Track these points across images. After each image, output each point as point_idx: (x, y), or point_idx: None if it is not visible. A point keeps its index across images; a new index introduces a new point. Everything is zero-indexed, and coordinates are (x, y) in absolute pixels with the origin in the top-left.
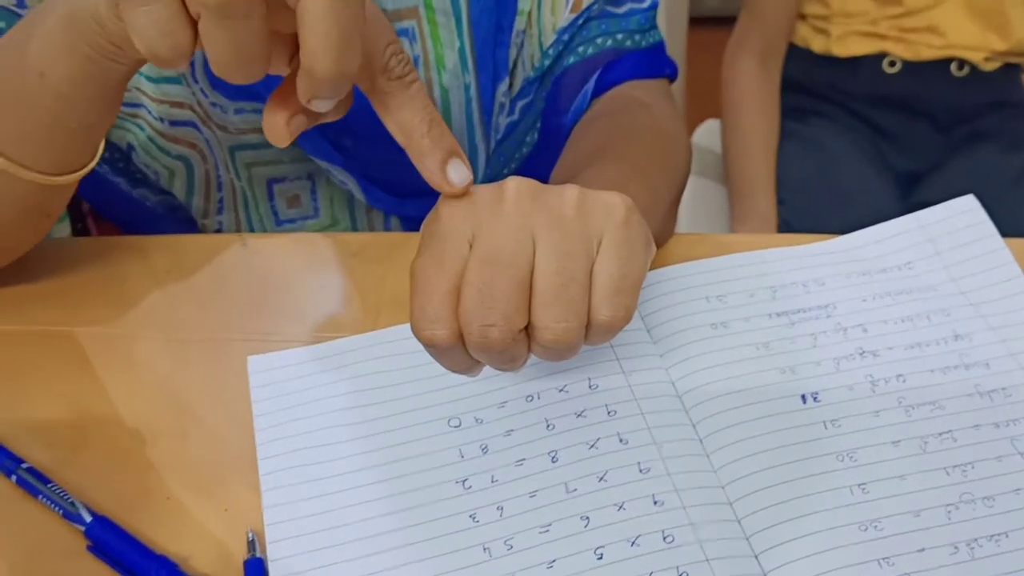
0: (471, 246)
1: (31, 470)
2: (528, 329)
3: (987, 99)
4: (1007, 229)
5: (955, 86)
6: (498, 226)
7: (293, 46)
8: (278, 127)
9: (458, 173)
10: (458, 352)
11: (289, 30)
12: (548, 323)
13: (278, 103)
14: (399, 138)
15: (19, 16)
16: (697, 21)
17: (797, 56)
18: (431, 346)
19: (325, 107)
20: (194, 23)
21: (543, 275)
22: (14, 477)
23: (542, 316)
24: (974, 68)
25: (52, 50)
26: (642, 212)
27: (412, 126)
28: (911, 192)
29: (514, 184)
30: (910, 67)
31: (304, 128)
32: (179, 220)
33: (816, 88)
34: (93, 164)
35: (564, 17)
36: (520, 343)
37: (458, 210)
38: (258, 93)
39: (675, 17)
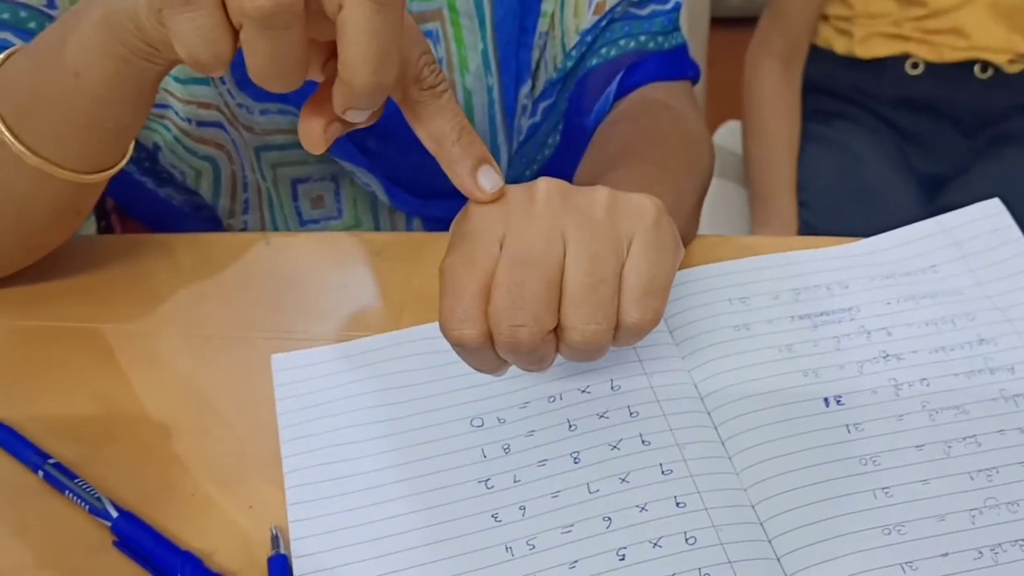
0: (501, 246)
1: (58, 465)
2: (557, 330)
3: (1012, 102)
4: None
5: (979, 88)
6: (529, 227)
7: (327, 52)
8: (314, 134)
9: (489, 180)
10: (486, 352)
11: (326, 38)
12: (577, 324)
13: (313, 110)
14: (430, 146)
15: (49, 17)
16: (719, 21)
17: (819, 58)
18: (460, 346)
19: (360, 117)
20: (235, 31)
21: (573, 276)
22: (41, 472)
23: (571, 317)
24: (998, 70)
25: (88, 51)
26: None
27: (443, 134)
28: (935, 195)
29: (545, 185)
30: (933, 69)
31: (340, 134)
32: (204, 219)
33: (839, 90)
34: (124, 162)
35: (587, 19)
36: (549, 344)
37: (489, 210)
38: (284, 95)
39: (696, 17)
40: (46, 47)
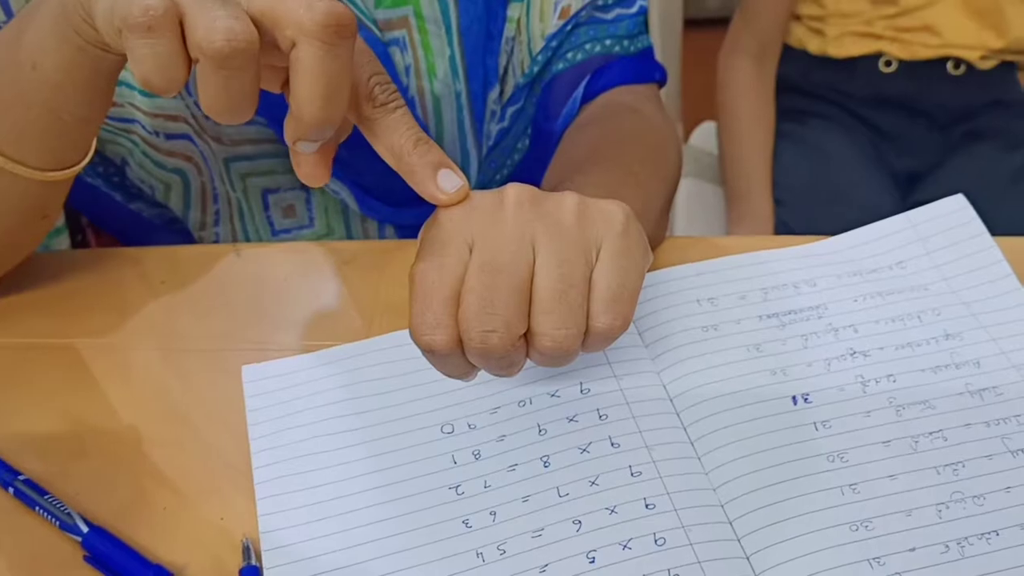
0: (471, 252)
1: (28, 482)
2: (526, 335)
3: (984, 98)
4: (1006, 228)
5: (952, 85)
6: (498, 232)
7: (286, 74)
8: (312, 170)
9: (449, 181)
10: (456, 358)
11: (283, 64)
12: (547, 329)
13: (296, 156)
14: (389, 160)
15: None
16: (695, 23)
17: (793, 57)
18: (430, 352)
19: (310, 149)
20: (190, 62)
21: (543, 282)
22: (11, 489)
23: (542, 323)
24: (971, 67)
25: (44, 41)
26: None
27: (399, 146)
28: (910, 192)
29: (514, 191)
30: (907, 67)
31: (331, 158)
32: (176, 231)
33: (813, 89)
34: (87, 160)
35: (553, 24)
36: (519, 349)
37: (458, 215)
38: None
39: (670, 18)
40: (2, 44)
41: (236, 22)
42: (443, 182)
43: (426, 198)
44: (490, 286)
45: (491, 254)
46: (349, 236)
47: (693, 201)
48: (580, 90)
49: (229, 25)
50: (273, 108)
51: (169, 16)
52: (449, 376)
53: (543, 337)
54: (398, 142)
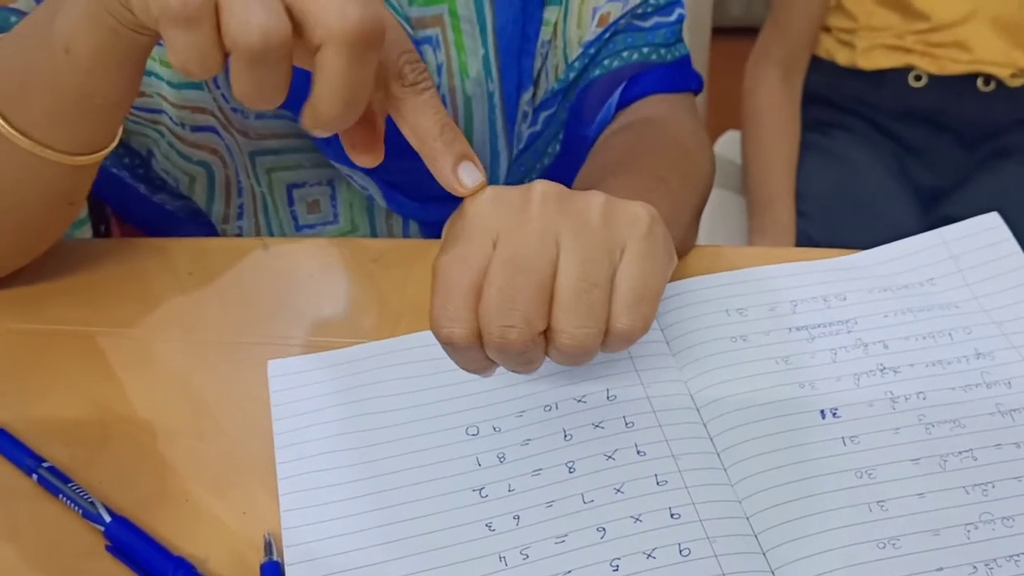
0: (495, 246)
1: (52, 469)
2: (546, 332)
3: (1013, 116)
4: None
5: (981, 102)
6: (523, 228)
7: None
8: (364, 158)
9: (470, 175)
10: (475, 352)
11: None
12: (567, 327)
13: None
14: (413, 142)
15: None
16: (719, 31)
17: (821, 68)
18: (449, 344)
19: (324, 134)
20: (226, 52)
21: (565, 280)
22: (35, 476)
23: (562, 320)
24: (1000, 84)
25: (76, 25)
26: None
27: (425, 130)
28: (934, 207)
29: (541, 187)
30: (936, 81)
31: (381, 135)
32: (199, 224)
33: (840, 101)
34: (115, 144)
35: (590, 31)
36: (538, 346)
37: (484, 209)
38: None
39: (697, 26)
40: (34, 27)
41: (271, 17)
42: (464, 175)
43: (445, 186)
44: (512, 281)
45: (514, 249)
46: (373, 232)
47: (715, 210)
48: (615, 97)
49: (263, 21)
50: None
51: (207, 8)
52: (467, 370)
53: (562, 335)
54: (424, 125)
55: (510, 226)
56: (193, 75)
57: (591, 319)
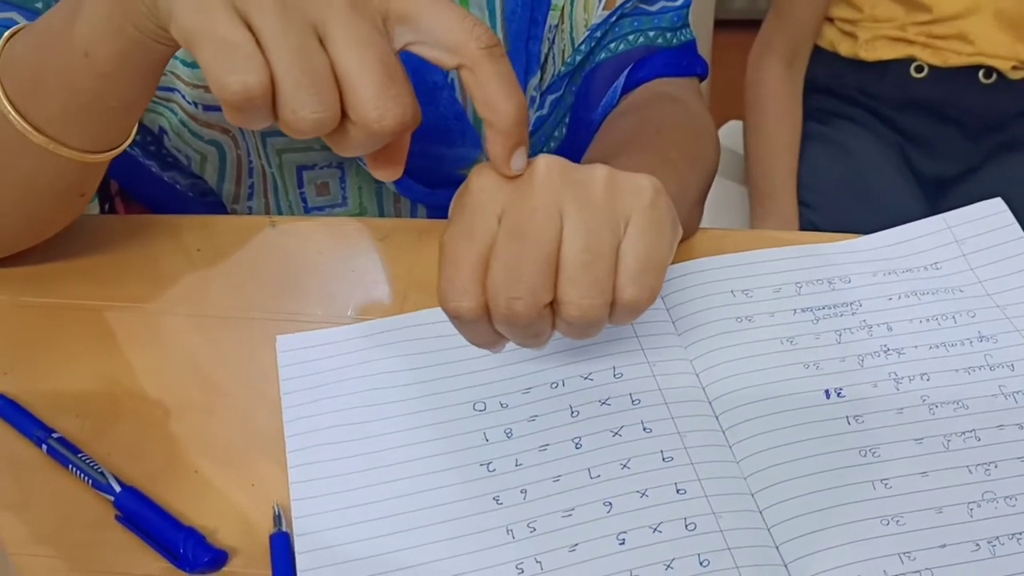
0: (500, 220)
1: (62, 440)
2: (553, 305)
3: (1015, 108)
4: None
5: (982, 93)
6: (528, 202)
7: None
8: (386, 173)
9: (520, 161)
10: (483, 325)
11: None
12: (573, 298)
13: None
14: (482, 110)
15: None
16: (722, 23)
17: (824, 59)
18: (457, 318)
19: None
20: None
21: (570, 251)
22: (44, 447)
23: (568, 291)
24: (1002, 76)
25: (97, 31)
26: None
27: (497, 102)
28: (937, 197)
29: (544, 161)
30: (938, 73)
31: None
32: (208, 204)
33: (842, 91)
34: (128, 142)
35: (597, 14)
36: (545, 318)
37: (489, 184)
38: None
39: (701, 18)
40: (54, 25)
41: (321, 108)
42: (516, 160)
43: (492, 161)
44: (517, 254)
45: (519, 223)
46: (381, 216)
47: (717, 199)
48: (621, 80)
49: (315, 114)
50: None
51: (264, 97)
52: (476, 345)
53: (569, 306)
54: (498, 97)
55: (515, 200)
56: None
57: (597, 290)
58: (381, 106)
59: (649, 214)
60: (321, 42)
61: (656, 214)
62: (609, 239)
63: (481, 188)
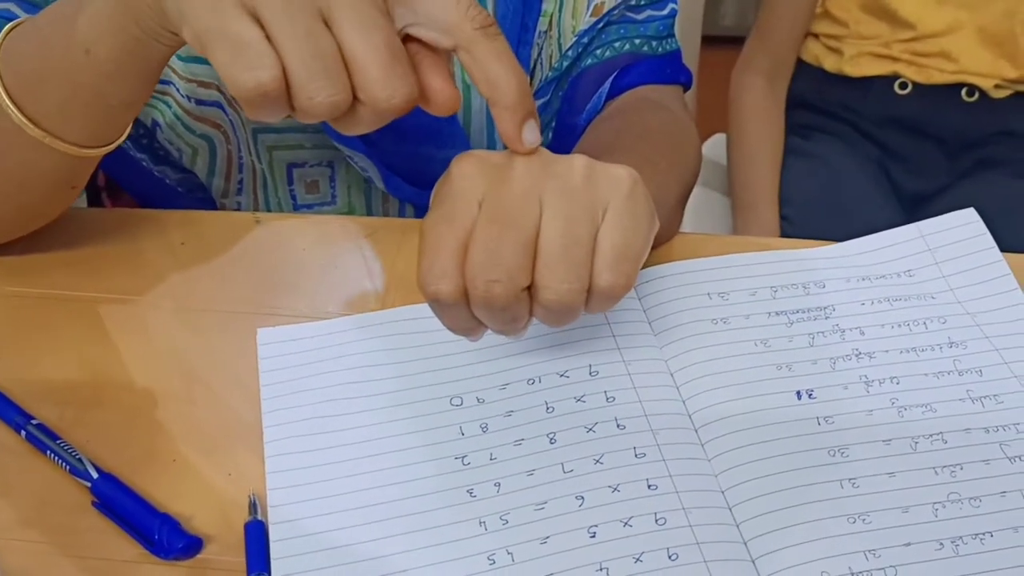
0: (480, 207)
1: (41, 426)
2: (531, 290)
3: (996, 127)
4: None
5: (965, 111)
6: (507, 189)
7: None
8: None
9: (532, 134)
10: (461, 309)
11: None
12: (551, 283)
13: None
14: (483, 89)
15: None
16: (710, 40)
17: (808, 74)
18: (435, 300)
19: (535, 135)
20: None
21: (548, 237)
22: (24, 433)
23: (545, 276)
24: (984, 95)
25: (100, 28)
26: None
27: (499, 79)
28: (915, 212)
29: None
30: (921, 90)
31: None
32: (198, 200)
33: (825, 106)
34: (123, 138)
35: (585, 20)
36: (522, 302)
37: (470, 171)
38: None
39: (688, 34)
40: (56, 21)
41: (335, 93)
42: (527, 133)
43: (505, 139)
44: (496, 238)
45: (499, 208)
46: (370, 214)
47: (701, 208)
48: (606, 86)
49: (330, 98)
50: None
51: (279, 91)
52: (454, 330)
53: (546, 290)
54: (499, 74)
55: (495, 187)
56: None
57: (573, 275)
58: (390, 86)
59: (627, 203)
60: (328, 24)
61: (633, 204)
62: (587, 226)
63: (462, 175)
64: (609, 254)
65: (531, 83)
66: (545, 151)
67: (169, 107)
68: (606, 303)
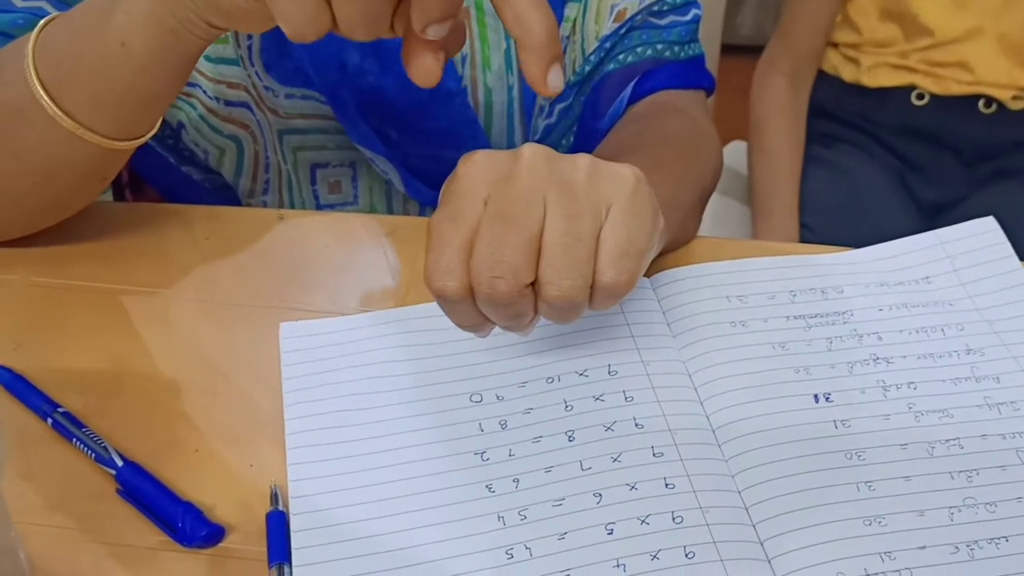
0: (486, 204)
1: (67, 414)
2: (535, 286)
3: (1013, 138)
4: None
5: (982, 123)
6: (512, 187)
7: None
8: (428, 65)
9: (556, 78)
10: (467, 305)
11: None
12: (554, 279)
13: (416, 48)
14: (513, 30)
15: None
16: (729, 48)
17: (827, 83)
18: (441, 297)
19: (440, 32)
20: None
21: (551, 235)
22: (50, 420)
23: (548, 272)
24: (1001, 106)
25: (136, 22)
26: (661, 204)
27: (530, 20)
28: (933, 221)
29: (529, 150)
30: (938, 101)
31: (444, 63)
32: (223, 199)
33: (844, 116)
34: (154, 131)
35: (607, 26)
36: (526, 298)
37: (476, 171)
38: (309, 79)
39: (708, 42)
40: (91, 15)
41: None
42: (552, 77)
43: (530, 81)
44: (500, 235)
45: (503, 206)
46: (391, 215)
47: (718, 217)
48: (628, 91)
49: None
50: (331, 83)
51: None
52: (462, 327)
53: (549, 286)
54: (530, 15)
55: (500, 186)
56: (308, 38)
57: (576, 272)
58: None
59: (630, 202)
60: None
61: (637, 202)
62: (590, 224)
63: (468, 174)
64: (612, 251)
65: None
66: (550, 150)
67: (194, 108)
68: (609, 300)
